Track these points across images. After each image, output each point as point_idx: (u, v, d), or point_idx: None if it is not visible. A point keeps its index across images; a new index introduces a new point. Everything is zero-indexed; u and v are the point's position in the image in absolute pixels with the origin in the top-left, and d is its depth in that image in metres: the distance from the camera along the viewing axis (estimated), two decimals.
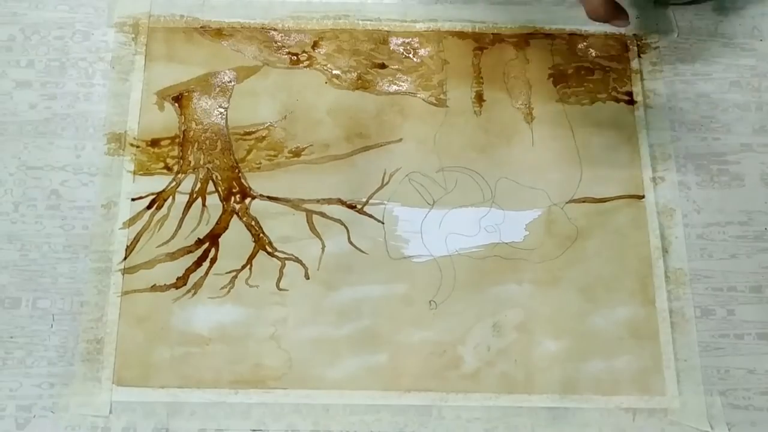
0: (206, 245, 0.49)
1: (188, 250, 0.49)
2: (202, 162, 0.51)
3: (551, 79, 0.54)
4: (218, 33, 0.54)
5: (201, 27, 0.54)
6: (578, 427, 0.46)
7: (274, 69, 0.53)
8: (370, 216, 0.50)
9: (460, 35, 0.55)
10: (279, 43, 0.54)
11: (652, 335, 0.48)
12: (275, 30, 0.54)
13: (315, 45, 0.54)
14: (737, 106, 0.54)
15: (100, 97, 0.52)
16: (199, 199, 0.50)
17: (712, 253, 0.50)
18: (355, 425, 0.46)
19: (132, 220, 0.50)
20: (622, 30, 0.55)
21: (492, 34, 0.55)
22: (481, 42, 0.55)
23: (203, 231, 0.50)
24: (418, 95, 0.53)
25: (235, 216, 0.50)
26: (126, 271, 0.48)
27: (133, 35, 0.54)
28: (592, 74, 0.54)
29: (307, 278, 0.49)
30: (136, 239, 0.49)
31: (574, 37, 0.55)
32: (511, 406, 0.47)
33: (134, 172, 0.51)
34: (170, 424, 0.46)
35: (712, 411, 0.47)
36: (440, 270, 0.49)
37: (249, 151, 0.51)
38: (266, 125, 0.52)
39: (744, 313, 0.49)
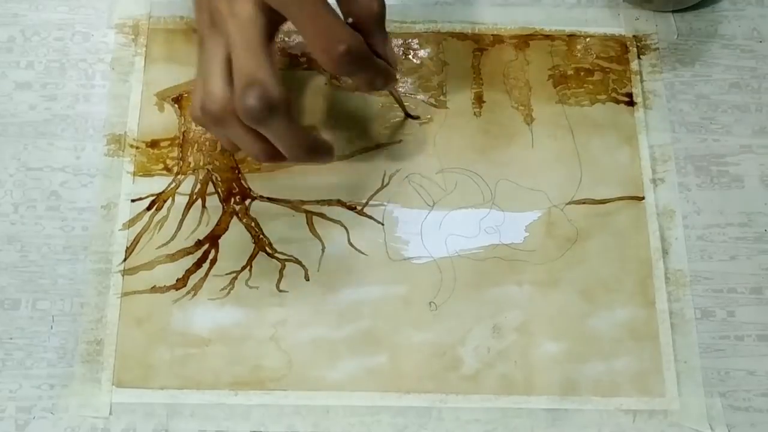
0: (206, 246, 0.49)
1: (188, 252, 0.49)
2: (201, 163, 0.51)
3: (551, 80, 0.54)
4: None
5: None
6: (578, 428, 0.46)
7: None
8: (370, 217, 0.50)
9: (460, 36, 0.55)
10: (279, 45, 0.54)
11: (652, 337, 0.48)
12: None
13: None
14: (737, 107, 0.54)
15: (99, 98, 0.52)
16: (199, 201, 0.50)
17: (712, 255, 0.50)
18: (355, 426, 0.46)
19: (132, 222, 0.50)
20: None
21: (492, 35, 0.55)
22: (481, 43, 0.55)
23: (203, 232, 0.50)
24: (418, 97, 0.53)
25: (234, 217, 0.50)
26: (126, 272, 0.48)
27: (133, 36, 0.54)
28: (592, 75, 0.54)
29: (307, 279, 0.49)
30: (136, 240, 0.49)
31: (573, 38, 0.55)
32: (511, 407, 0.47)
33: (134, 174, 0.51)
34: (170, 426, 0.46)
35: (712, 412, 0.47)
36: (440, 271, 0.49)
37: None
38: None
39: (744, 315, 0.49)
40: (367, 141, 0.52)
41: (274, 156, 0.42)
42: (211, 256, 0.49)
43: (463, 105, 0.53)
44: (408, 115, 0.52)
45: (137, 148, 0.51)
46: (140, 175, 0.51)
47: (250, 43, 0.38)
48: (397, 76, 0.47)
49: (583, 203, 0.51)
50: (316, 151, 0.43)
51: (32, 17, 0.54)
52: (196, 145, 0.51)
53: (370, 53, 0.41)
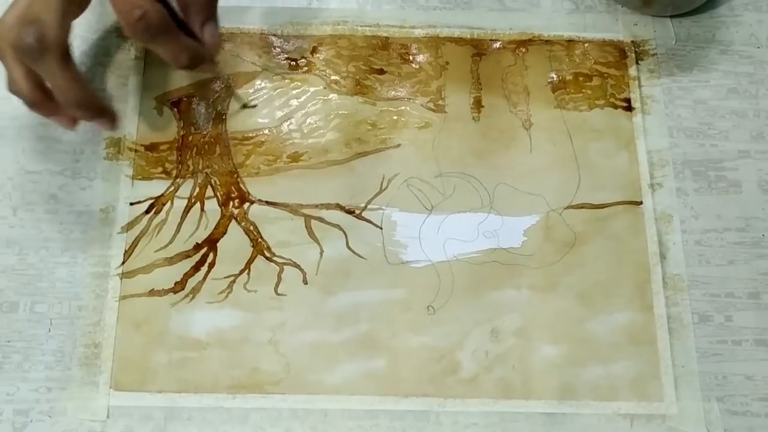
0: (204, 250, 0.49)
1: (186, 255, 0.49)
2: (200, 167, 0.51)
3: (549, 85, 0.54)
4: None
5: None
6: None
7: (273, 74, 0.53)
8: (369, 221, 0.50)
9: (459, 41, 0.55)
10: (278, 49, 0.54)
11: (649, 341, 0.48)
12: (275, 36, 0.55)
13: (314, 51, 0.54)
14: (735, 113, 0.54)
15: None
16: (198, 204, 0.50)
17: (709, 259, 0.50)
18: (353, 430, 0.46)
19: (130, 225, 0.50)
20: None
21: (490, 40, 0.55)
22: (480, 48, 0.55)
23: (202, 236, 0.50)
24: (417, 101, 0.53)
25: (233, 221, 0.50)
26: (124, 275, 0.48)
27: (133, 39, 0.54)
28: (591, 81, 0.54)
29: (306, 283, 0.49)
30: (135, 244, 0.49)
31: (572, 43, 0.55)
32: (509, 411, 0.47)
33: (133, 177, 0.51)
34: (168, 429, 0.46)
35: (710, 417, 0.47)
36: (438, 275, 0.49)
37: (247, 156, 0.51)
38: (265, 130, 0.52)
39: (742, 319, 0.49)
40: (366, 145, 0.52)
41: (42, 101, 0.44)
42: (209, 260, 0.49)
43: (461, 109, 0.53)
44: (243, 105, 0.52)
45: (136, 151, 0.51)
46: (139, 179, 0.51)
47: None
48: (217, 63, 0.48)
49: (582, 208, 0.51)
50: (90, 108, 0.44)
51: None
52: (194, 148, 0.51)
53: (169, 26, 0.42)
